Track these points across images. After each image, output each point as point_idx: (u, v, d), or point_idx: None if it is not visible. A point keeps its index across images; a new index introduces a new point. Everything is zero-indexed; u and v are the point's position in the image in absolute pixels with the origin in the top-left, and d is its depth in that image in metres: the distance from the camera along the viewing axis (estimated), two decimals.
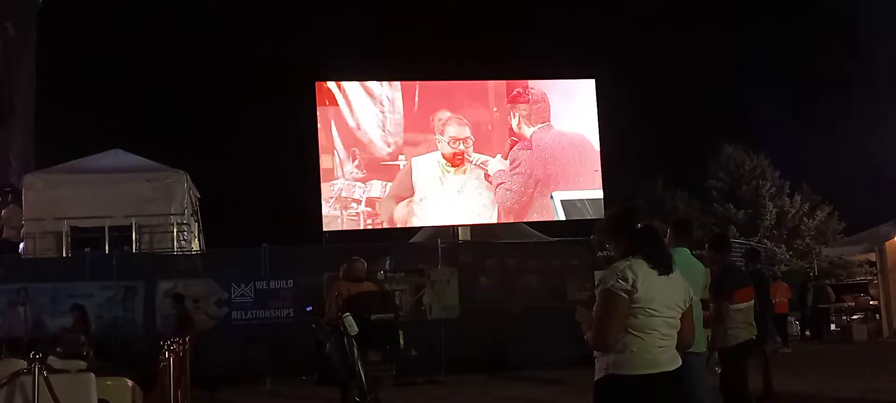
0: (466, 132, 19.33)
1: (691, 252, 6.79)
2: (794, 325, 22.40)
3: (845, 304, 23.07)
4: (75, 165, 19.90)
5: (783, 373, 12.01)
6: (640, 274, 3.86)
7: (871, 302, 22.83)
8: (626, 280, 3.83)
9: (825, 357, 16.44)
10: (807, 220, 39.20)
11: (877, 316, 21.53)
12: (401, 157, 18.95)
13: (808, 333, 22.68)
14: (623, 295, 3.82)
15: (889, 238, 20.70)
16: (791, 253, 37.99)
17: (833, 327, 22.39)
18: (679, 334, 4.01)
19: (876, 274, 22.27)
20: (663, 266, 3.94)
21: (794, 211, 39.31)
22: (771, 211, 38.74)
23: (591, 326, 3.94)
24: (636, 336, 3.86)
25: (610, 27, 57.51)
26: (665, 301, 3.92)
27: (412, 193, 18.89)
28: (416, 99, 19.51)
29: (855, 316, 22.52)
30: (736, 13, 60.52)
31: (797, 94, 54.56)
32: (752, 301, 7.67)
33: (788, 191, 39.69)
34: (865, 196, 37.58)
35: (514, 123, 19.67)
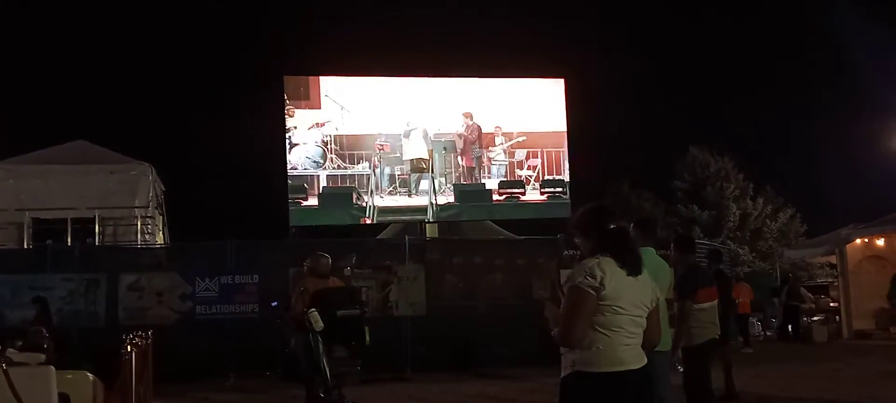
0: (436, 128, 19.36)
1: (657, 251, 6.83)
2: (756, 325, 22.67)
3: (806, 305, 23.35)
4: (38, 156, 19.62)
5: (744, 373, 12.15)
6: (608, 271, 3.87)
7: (831, 304, 23.14)
8: (593, 277, 3.84)
9: (786, 358, 16.64)
10: (769, 222, 39.68)
11: (837, 317, 21.82)
12: (368, 152, 18.93)
13: (768, 333, 22.97)
14: (590, 292, 3.83)
15: (850, 241, 20.99)
16: (754, 254, 38.44)
17: (789, 329, 22.64)
18: (645, 333, 4.03)
19: (836, 277, 22.57)
20: (632, 267, 3.96)
21: (757, 213, 39.78)
22: (734, 213, 39.17)
23: (558, 323, 3.95)
24: (602, 333, 3.87)
25: (579, 28, 57.87)
26: (632, 299, 3.94)
27: (380, 188, 18.88)
28: (386, 95, 19.49)
29: (815, 318, 22.82)
30: (704, 16, 61.15)
31: (762, 98, 55.25)
32: (716, 301, 7.75)
33: (752, 194, 40.15)
34: (827, 199, 38.22)
35: (492, 117, 19.72)
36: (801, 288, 23.49)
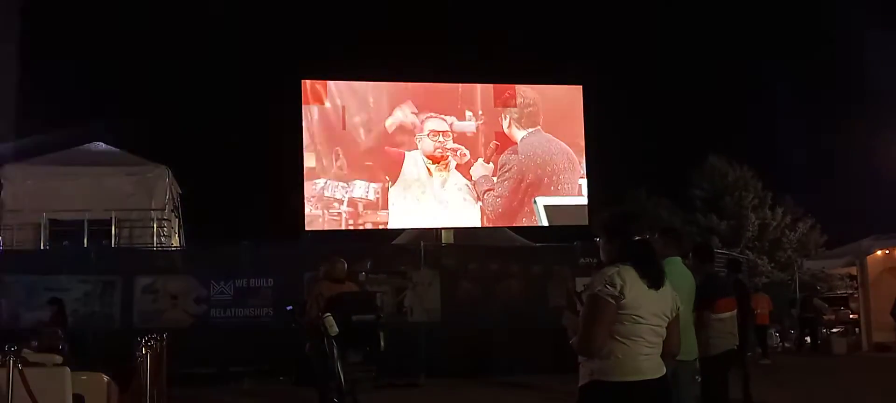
0: (452, 134, 19.28)
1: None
2: (774, 337, 22.49)
3: (825, 317, 23.13)
4: (56, 157, 19.74)
5: (762, 384, 12.03)
6: (629, 280, 3.82)
7: (851, 316, 22.90)
8: (614, 285, 3.80)
9: (804, 370, 16.50)
10: (789, 233, 39.37)
11: (856, 329, 21.61)
12: (384, 157, 18.87)
13: (787, 344, 22.78)
14: (610, 300, 3.78)
15: (870, 252, 20.78)
16: (773, 265, 38.14)
17: (807, 340, 22.41)
18: (665, 343, 3.99)
19: (857, 288, 22.36)
20: (654, 280, 3.91)
21: (776, 223, 39.48)
22: (753, 223, 38.88)
23: (577, 331, 3.90)
24: (622, 342, 3.83)
25: (598, 35, 57.70)
26: (652, 309, 3.89)
27: (395, 193, 18.81)
28: (402, 100, 19.43)
29: (835, 329, 22.59)
30: (723, 25, 60.87)
31: (782, 107, 54.94)
32: (735, 311, 7.65)
33: (771, 203, 39.85)
34: (848, 210, 37.86)
35: (505, 124, 19.63)
36: (816, 299, 23.23)
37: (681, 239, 7.00)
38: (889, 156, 30.20)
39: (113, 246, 18.07)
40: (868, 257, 20.82)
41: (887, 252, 20.87)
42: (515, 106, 19.82)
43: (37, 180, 18.64)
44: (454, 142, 19.32)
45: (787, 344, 22.94)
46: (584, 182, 19.85)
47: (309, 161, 18.55)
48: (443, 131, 19.32)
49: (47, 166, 19.12)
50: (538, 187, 19.64)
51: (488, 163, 19.39)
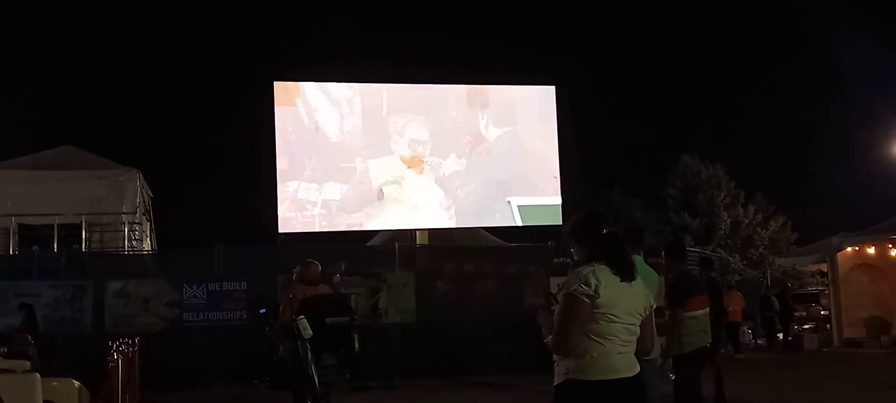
0: (426, 135, 19.26)
1: (645, 259, 6.79)
2: (747, 334, 22.68)
3: (796, 313, 23.34)
4: (25, 161, 19.53)
5: (735, 381, 12.11)
6: (603, 279, 3.84)
7: (822, 313, 23.14)
8: (588, 285, 3.81)
9: (776, 366, 16.64)
10: (760, 230, 39.70)
11: (827, 325, 21.83)
12: (358, 159, 18.80)
13: (759, 341, 22.98)
14: (585, 299, 3.79)
15: (840, 249, 20.99)
16: (745, 262, 38.45)
17: (780, 336, 22.60)
18: (638, 340, 4.01)
19: (827, 285, 22.58)
20: (626, 272, 3.93)
21: (748, 220, 39.80)
22: (726, 221, 39.16)
23: (552, 330, 3.91)
24: (597, 341, 3.84)
25: (571, 36, 58.00)
26: (626, 307, 3.91)
27: (369, 195, 18.76)
28: (375, 101, 19.38)
29: (806, 326, 22.80)
30: (695, 25, 61.40)
31: (754, 106, 55.49)
32: (707, 309, 7.71)
33: (743, 201, 40.17)
34: (819, 207, 38.33)
35: (481, 124, 19.61)
36: (772, 297, 23.46)
37: (642, 238, 7.07)
38: (858, 153, 30.61)
39: (83, 250, 17.88)
40: (838, 254, 21.03)
41: (857, 248, 21.11)
42: (490, 106, 19.83)
43: (5, 184, 18.43)
44: (428, 142, 19.28)
45: (759, 341, 23.14)
46: (557, 182, 19.88)
47: (282, 163, 18.44)
48: (417, 131, 19.29)
49: (16, 170, 18.90)
50: (512, 187, 19.65)
51: (461, 159, 19.36)
